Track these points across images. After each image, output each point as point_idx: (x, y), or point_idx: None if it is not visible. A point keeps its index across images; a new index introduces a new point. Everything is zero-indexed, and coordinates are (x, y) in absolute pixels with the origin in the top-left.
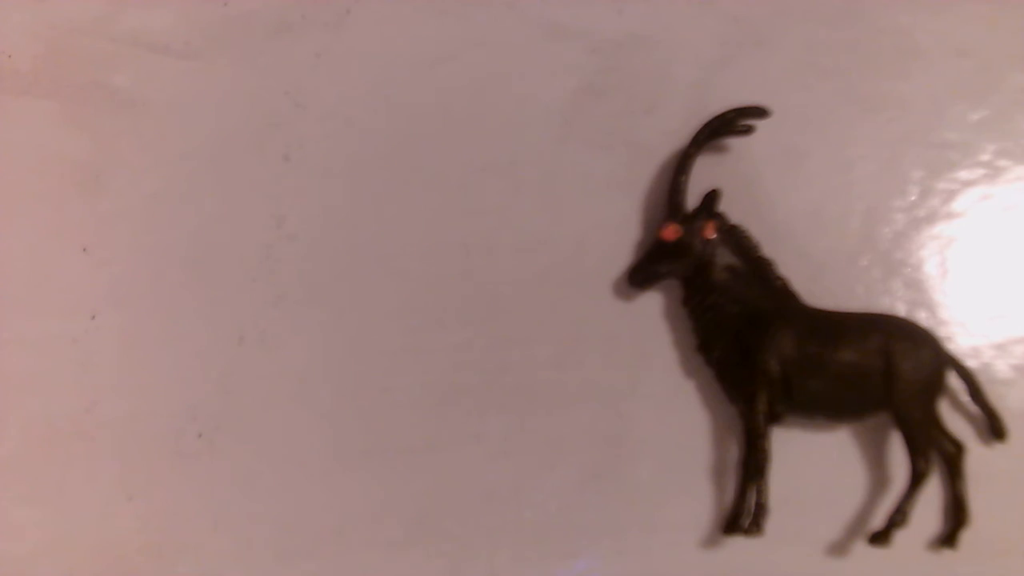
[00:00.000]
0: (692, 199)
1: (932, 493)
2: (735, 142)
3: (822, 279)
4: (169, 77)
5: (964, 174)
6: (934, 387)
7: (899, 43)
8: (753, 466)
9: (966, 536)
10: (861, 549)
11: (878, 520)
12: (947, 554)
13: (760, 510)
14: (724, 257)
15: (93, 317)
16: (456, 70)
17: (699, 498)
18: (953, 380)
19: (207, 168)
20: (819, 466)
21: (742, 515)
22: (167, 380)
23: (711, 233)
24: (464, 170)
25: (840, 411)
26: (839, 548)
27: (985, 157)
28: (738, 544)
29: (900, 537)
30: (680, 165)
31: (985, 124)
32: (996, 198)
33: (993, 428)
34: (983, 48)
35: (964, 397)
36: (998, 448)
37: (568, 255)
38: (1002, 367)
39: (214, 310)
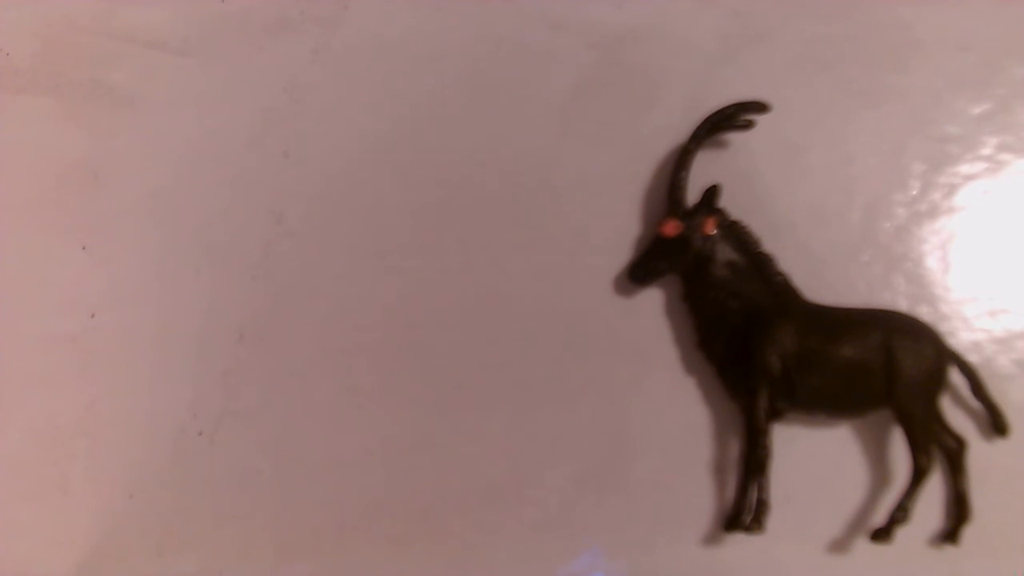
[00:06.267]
0: (692, 194)
1: (934, 489)
2: (735, 137)
3: (823, 274)
4: (167, 74)
5: (965, 168)
6: (935, 383)
7: (899, 37)
8: (754, 462)
9: (968, 532)
10: (863, 546)
11: (880, 517)
12: (949, 550)
13: (761, 507)
14: (724, 253)
15: (92, 316)
16: (454, 65)
17: (700, 495)
18: (955, 375)
19: (206, 165)
20: (820, 462)
21: (743, 512)
22: (167, 378)
23: (711, 229)
24: (463, 166)
25: (841, 407)
26: (840, 545)
27: (986, 151)
28: (739, 541)
29: (902, 534)
30: (680, 160)
31: (986, 118)
32: (998, 192)
33: (995, 424)
34: (984, 41)
35: (966, 393)
36: (1000, 444)
37: (568, 251)
38: (1004, 362)
39: (214, 308)
